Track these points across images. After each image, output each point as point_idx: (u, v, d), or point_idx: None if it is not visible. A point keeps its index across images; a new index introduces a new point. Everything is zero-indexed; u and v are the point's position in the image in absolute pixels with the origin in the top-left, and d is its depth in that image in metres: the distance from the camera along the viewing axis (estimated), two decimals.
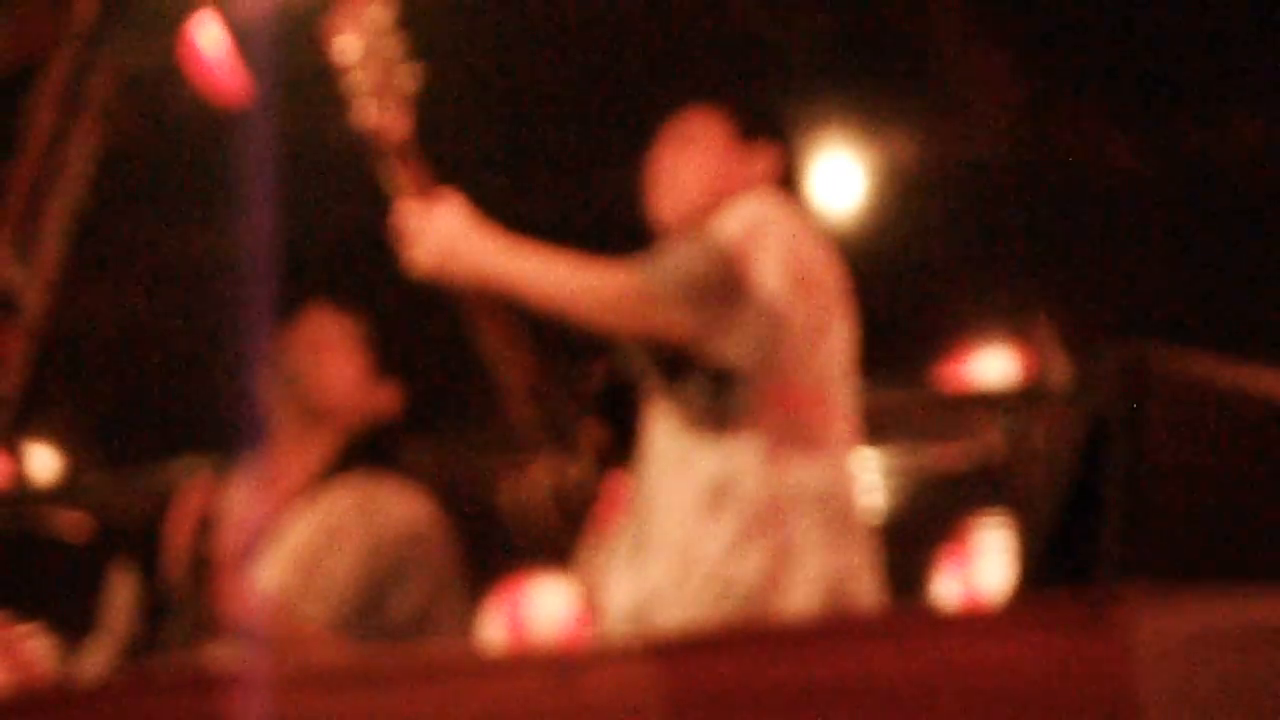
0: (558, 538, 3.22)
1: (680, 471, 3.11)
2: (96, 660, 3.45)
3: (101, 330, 5.56)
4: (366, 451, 3.50)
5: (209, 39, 2.92)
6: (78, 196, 2.88)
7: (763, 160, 3.31)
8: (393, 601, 3.40)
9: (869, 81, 5.73)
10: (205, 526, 3.22)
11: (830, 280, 3.22)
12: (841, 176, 6.12)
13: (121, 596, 3.37)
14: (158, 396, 5.96)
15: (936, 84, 5.62)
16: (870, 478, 6.16)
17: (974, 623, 1.97)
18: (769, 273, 3.10)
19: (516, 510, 3.23)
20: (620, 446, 3.22)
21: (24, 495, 6.11)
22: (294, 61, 3.17)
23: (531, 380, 3.19)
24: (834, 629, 2.13)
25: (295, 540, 3.43)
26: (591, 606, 3.26)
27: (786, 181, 3.37)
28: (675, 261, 3.08)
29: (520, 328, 3.15)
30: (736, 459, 3.05)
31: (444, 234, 3.08)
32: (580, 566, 3.23)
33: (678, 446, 3.12)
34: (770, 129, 3.38)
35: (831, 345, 3.20)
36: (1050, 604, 1.90)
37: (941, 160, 6.01)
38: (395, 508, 3.45)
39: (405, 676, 2.06)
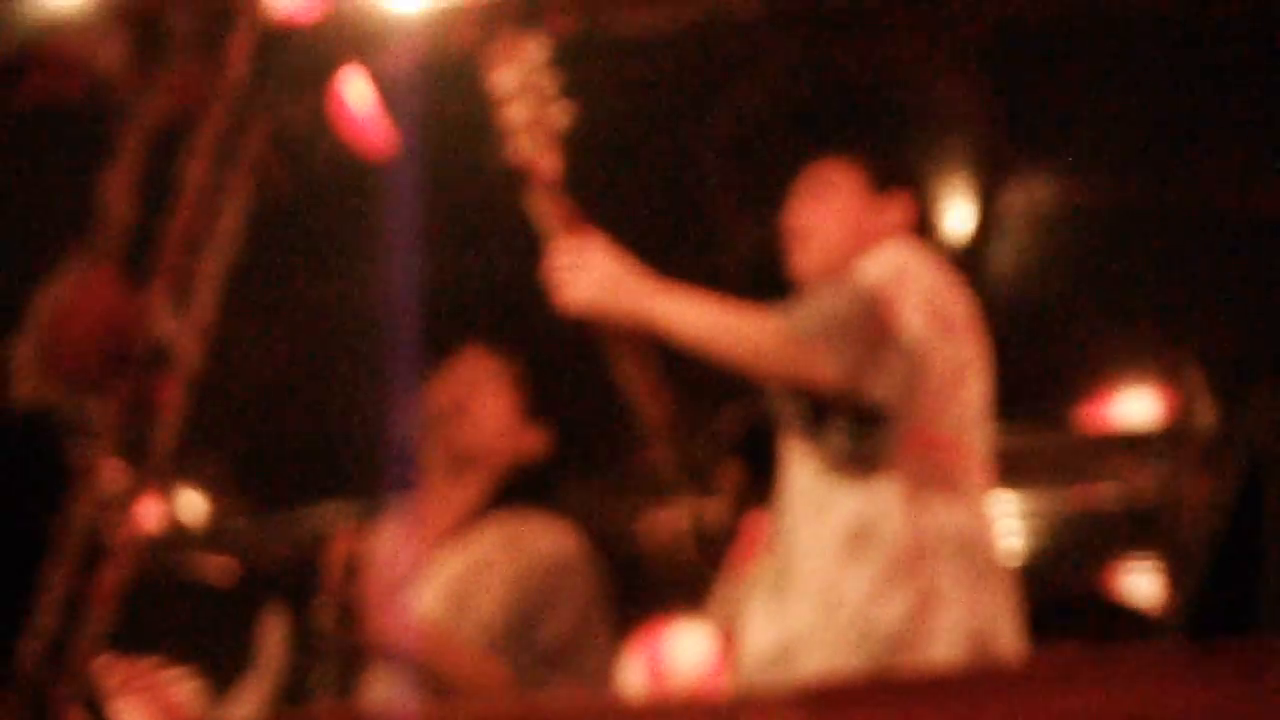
0: (696, 577, 3.23)
1: (820, 514, 3.11)
2: (248, 704, 3.50)
3: (249, 376, 5.64)
4: (516, 491, 3.53)
5: (356, 93, 2.98)
6: (231, 249, 2.94)
7: (897, 209, 3.33)
8: (541, 630, 3.42)
9: (1005, 123, 5.70)
10: (354, 570, 3.26)
11: (969, 328, 3.23)
12: (981, 218, 6.08)
13: (273, 640, 3.41)
14: (305, 441, 6.03)
15: (1075, 123, 5.58)
16: (1010, 521, 6.11)
17: (1122, 672, 1.95)
18: (912, 317, 3.11)
19: (655, 550, 3.25)
20: (757, 488, 3.23)
21: (173, 539, 6.20)
22: (443, 106, 3.22)
23: (671, 421, 3.21)
24: (978, 679, 2.12)
25: (445, 576, 3.46)
26: (729, 648, 3.26)
27: (922, 229, 3.38)
28: (821, 305, 3.10)
29: (660, 369, 3.16)
30: (878, 502, 3.05)
31: (597, 274, 3.11)
32: (718, 606, 3.24)
33: (817, 489, 3.12)
34: (903, 178, 3.40)
35: (969, 392, 3.20)
36: (1207, 654, 1.88)
37: (1083, 199, 5.96)
38: (542, 539, 3.48)
39: None
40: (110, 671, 3.79)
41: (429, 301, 3.45)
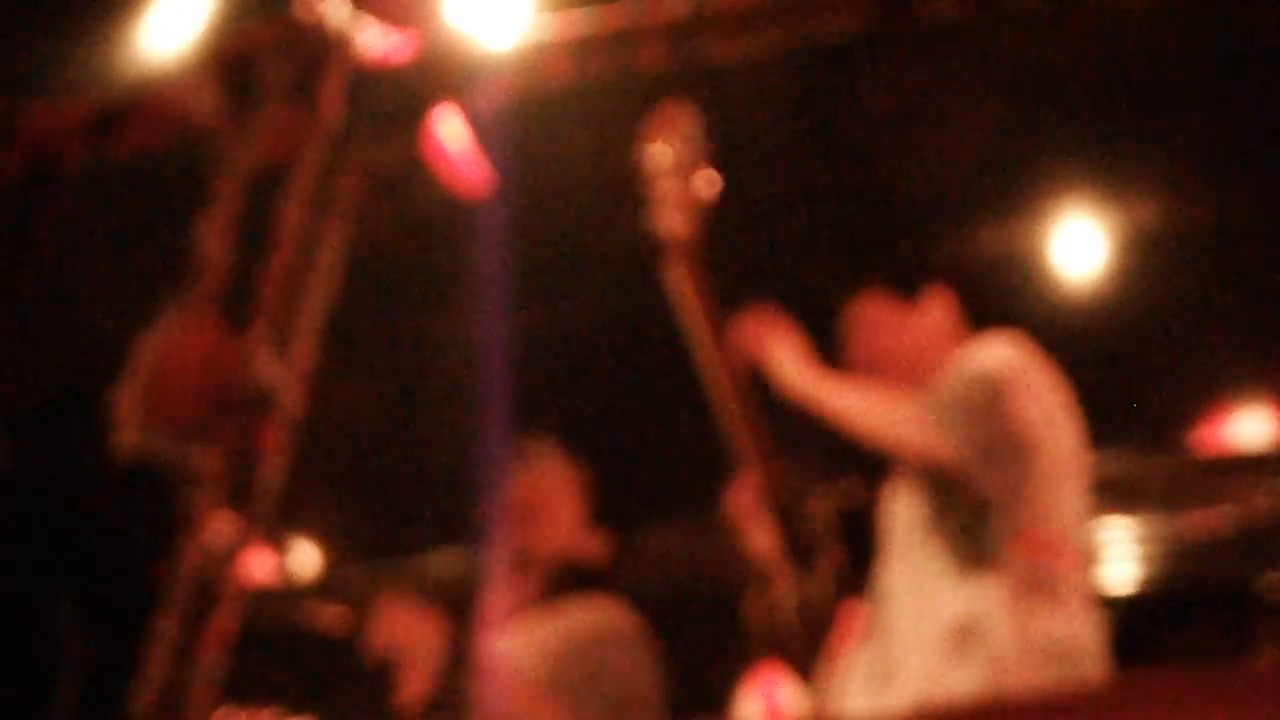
0: (798, 653, 3.20)
1: (923, 605, 3.09)
2: None
3: (359, 424, 5.66)
4: (577, 581, 3.61)
5: (451, 132, 2.97)
6: (330, 293, 2.94)
7: (936, 305, 3.33)
8: (589, 704, 3.44)
9: (1112, 144, 5.64)
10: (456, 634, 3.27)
11: (1071, 422, 3.22)
12: (1087, 242, 6.02)
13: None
14: (417, 488, 6.04)
15: (1184, 142, 5.51)
16: (1128, 547, 6.02)
17: (1234, 693, 1.90)
18: (1026, 407, 3.11)
19: (759, 624, 3.22)
20: (857, 571, 3.21)
21: (288, 590, 6.23)
22: (539, 142, 3.22)
23: (779, 494, 3.20)
24: (1070, 703, 2.06)
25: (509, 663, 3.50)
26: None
27: (976, 306, 3.37)
28: (948, 391, 3.09)
29: (774, 442, 3.16)
30: (984, 602, 3.03)
31: (778, 352, 3.13)
32: (817, 689, 3.20)
33: (921, 579, 3.10)
34: (924, 277, 3.39)
35: (1072, 492, 3.19)
36: None
37: (1189, 220, 5.88)
38: (590, 612, 3.52)
39: None
40: None
41: (530, 342, 3.44)
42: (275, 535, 6.03)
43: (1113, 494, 3.25)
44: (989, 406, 3.06)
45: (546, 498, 3.58)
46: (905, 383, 3.26)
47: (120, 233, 4.03)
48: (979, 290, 3.44)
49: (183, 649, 2.56)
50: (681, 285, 3.14)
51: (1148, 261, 5.95)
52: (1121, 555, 5.75)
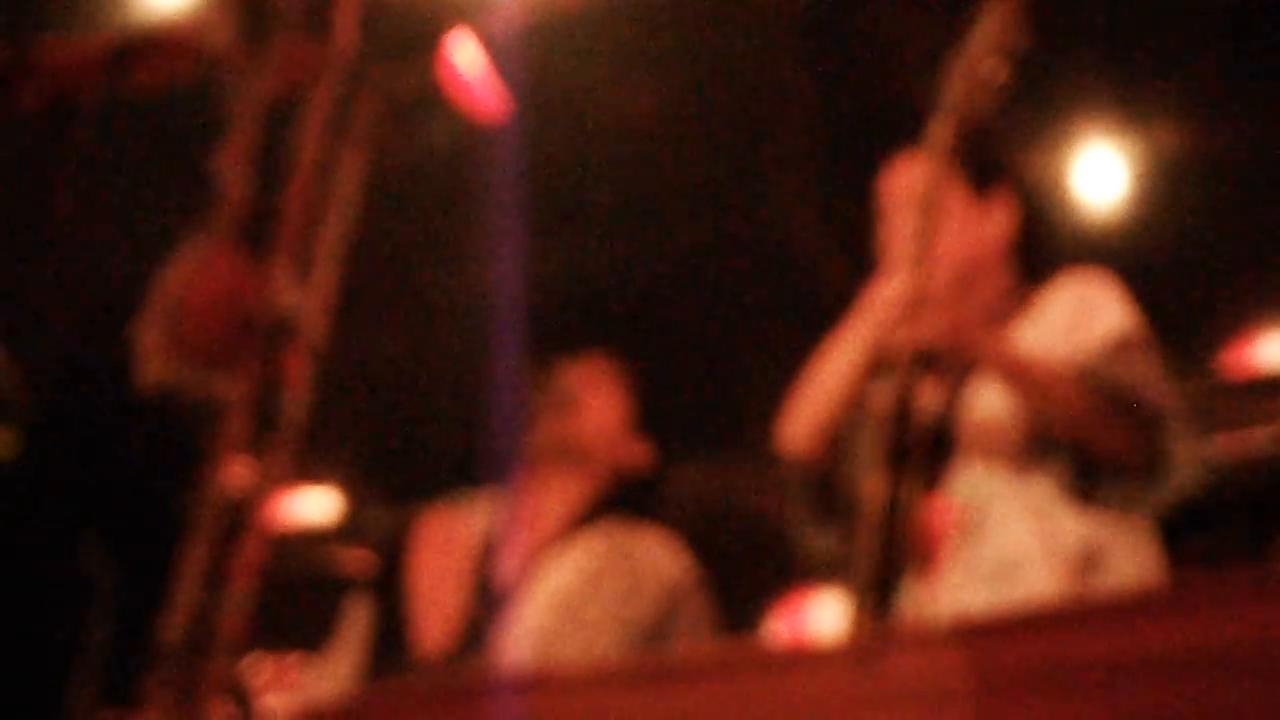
0: (880, 552, 3.17)
1: (1042, 527, 3.07)
2: (331, 678, 3.48)
3: (378, 365, 5.65)
4: (625, 499, 3.52)
5: (465, 57, 2.94)
6: (348, 220, 2.93)
7: (1001, 206, 3.29)
8: (656, 649, 3.39)
9: (1133, 70, 5.59)
10: (476, 553, 3.23)
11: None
12: (1110, 169, 5.98)
13: (357, 625, 3.39)
14: (437, 429, 6.02)
15: (1208, 66, 5.46)
16: None
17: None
18: (1158, 370, 3.12)
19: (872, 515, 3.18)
20: (936, 471, 3.19)
21: (308, 535, 6.23)
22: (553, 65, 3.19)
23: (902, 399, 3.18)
24: (1147, 603, 2.04)
25: (555, 584, 3.42)
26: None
27: (1029, 213, 3.32)
28: (1094, 353, 3.08)
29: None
30: (1108, 537, 3.03)
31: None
32: (901, 592, 3.18)
33: (1035, 501, 3.08)
34: (1000, 173, 3.35)
35: None
36: None
37: (1213, 145, 5.84)
38: (654, 558, 3.45)
39: (700, 673, 2.02)
40: (255, 667, 3.79)
41: (543, 282, 3.42)
42: (300, 468, 6.03)
43: None
44: (1143, 374, 3.07)
45: (587, 389, 3.49)
46: (949, 283, 3.22)
47: (138, 169, 4.02)
48: (1039, 205, 3.41)
49: (211, 579, 2.55)
50: (940, 155, 3.10)
51: (1174, 189, 5.91)
52: None
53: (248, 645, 2.76)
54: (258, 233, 2.81)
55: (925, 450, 3.19)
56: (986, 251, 3.28)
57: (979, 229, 3.30)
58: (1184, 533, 3.63)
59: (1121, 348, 3.15)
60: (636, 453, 3.59)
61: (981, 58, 3.14)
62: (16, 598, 3.22)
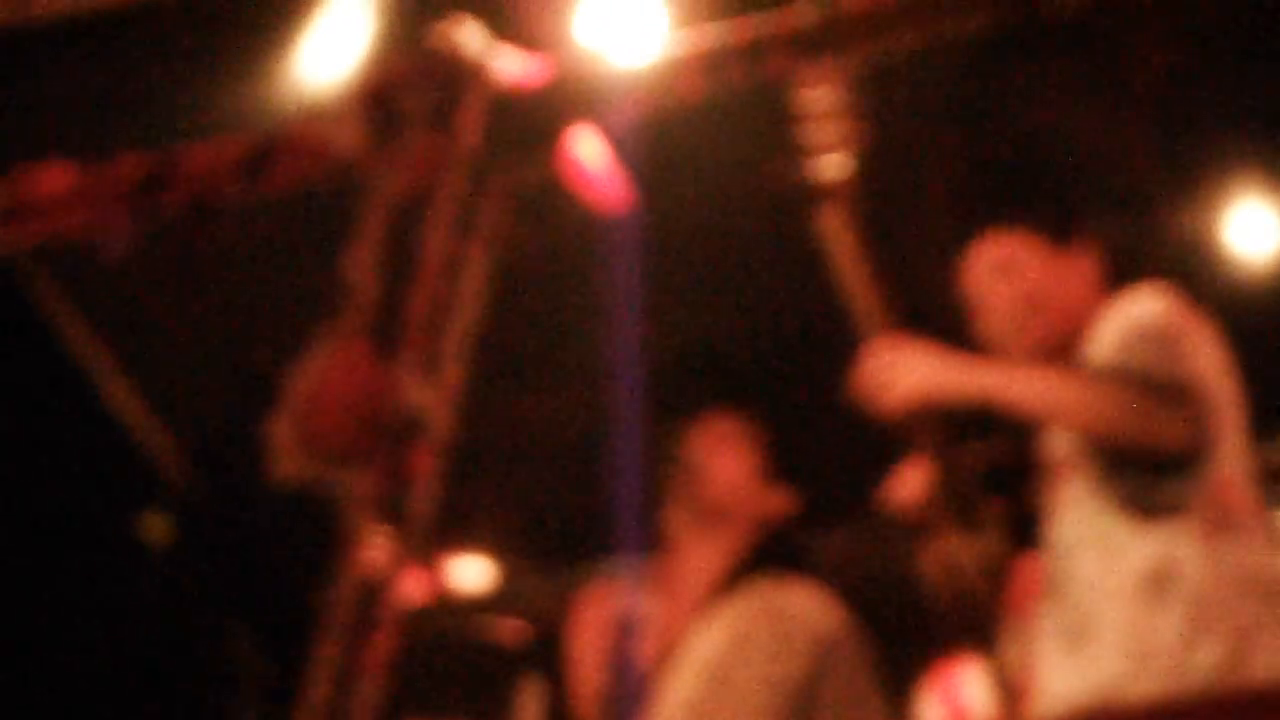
0: (978, 612, 3.17)
1: (1109, 555, 3.05)
2: None
3: (528, 437, 5.72)
4: (769, 555, 3.49)
5: (588, 151, 3.01)
6: (475, 316, 2.99)
7: (1086, 256, 3.28)
8: (813, 710, 3.36)
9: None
10: (617, 630, 3.26)
11: (1234, 381, 3.18)
12: (1262, 225, 5.90)
13: (531, 706, 3.43)
14: (586, 497, 6.07)
15: None
16: None
17: None
18: (1195, 356, 3.07)
19: (939, 583, 3.19)
20: (1021, 524, 3.17)
21: (458, 606, 6.30)
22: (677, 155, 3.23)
23: (942, 457, 3.17)
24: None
25: (703, 650, 3.42)
26: (1024, 693, 3.19)
27: (1123, 262, 3.32)
28: (1115, 345, 3.06)
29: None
30: (1175, 545, 3.00)
31: (920, 364, 3.09)
32: (1005, 649, 3.17)
33: (1101, 529, 3.06)
34: (1079, 226, 3.34)
35: (1240, 436, 3.15)
36: None
37: None
38: (803, 612, 3.42)
39: None
40: None
41: (670, 355, 3.46)
42: (432, 554, 6.11)
43: (1271, 487, 3.22)
44: (1159, 356, 3.03)
45: (714, 452, 3.49)
46: (1054, 331, 3.22)
47: (273, 268, 4.12)
48: (1126, 247, 3.41)
49: (344, 672, 2.62)
50: (835, 232, 3.15)
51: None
52: None
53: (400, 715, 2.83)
54: (387, 330, 2.89)
55: (1004, 510, 3.19)
56: (1067, 290, 3.27)
57: (1056, 271, 3.30)
58: None
59: (1137, 336, 3.10)
60: (775, 503, 3.57)
61: (827, 124, 3.14)
62: (165, 681, 3.31)
